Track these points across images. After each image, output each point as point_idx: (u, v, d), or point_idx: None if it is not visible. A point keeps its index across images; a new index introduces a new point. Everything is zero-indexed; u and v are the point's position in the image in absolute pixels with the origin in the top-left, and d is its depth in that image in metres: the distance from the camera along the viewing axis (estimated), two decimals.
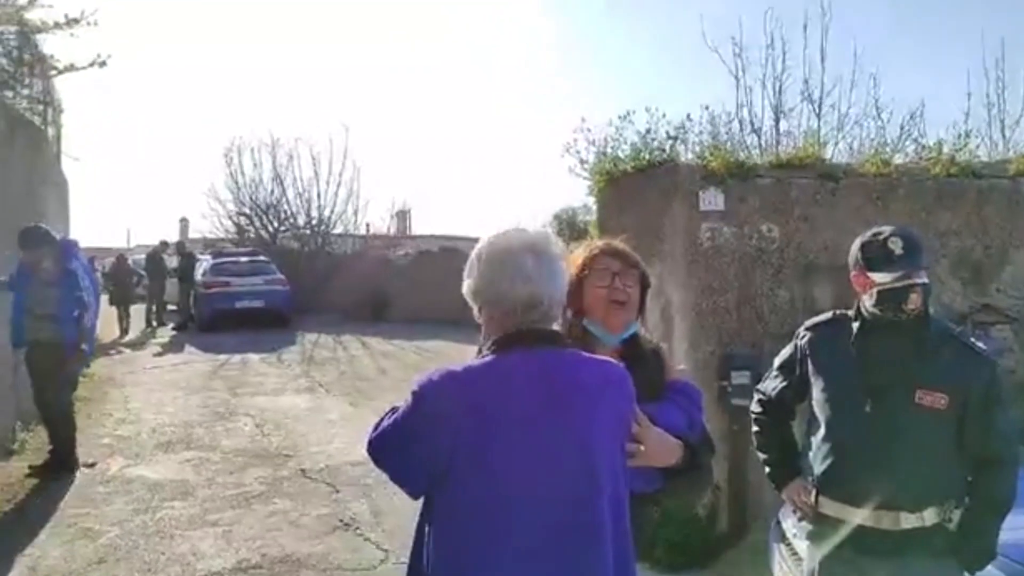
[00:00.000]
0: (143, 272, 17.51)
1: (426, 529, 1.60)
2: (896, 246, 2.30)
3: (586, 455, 1.56)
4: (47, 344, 5.95)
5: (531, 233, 1.68)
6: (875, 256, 2.34)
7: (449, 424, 1.52)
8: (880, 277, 2.33)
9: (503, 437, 1.52)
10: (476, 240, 1.74)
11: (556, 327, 1.70)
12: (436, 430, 1.53)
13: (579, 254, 2.04)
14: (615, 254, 2.01)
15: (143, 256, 18.73)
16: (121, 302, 16.03)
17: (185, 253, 17.88)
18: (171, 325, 16.92)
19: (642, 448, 1.69)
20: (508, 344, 1.59)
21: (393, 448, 1.63)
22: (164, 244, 17.93)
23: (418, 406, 1.56)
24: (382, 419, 1.68)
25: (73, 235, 9.45)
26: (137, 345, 14.32)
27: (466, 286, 1.68)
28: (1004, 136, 8.20)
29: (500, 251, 1.64)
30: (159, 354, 13.27)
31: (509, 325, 1.61)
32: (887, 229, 2.36)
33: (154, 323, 17.05)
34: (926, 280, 2.32)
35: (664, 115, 5.20)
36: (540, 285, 1.60)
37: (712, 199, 4.63)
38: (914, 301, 2.30)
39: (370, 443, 1.68)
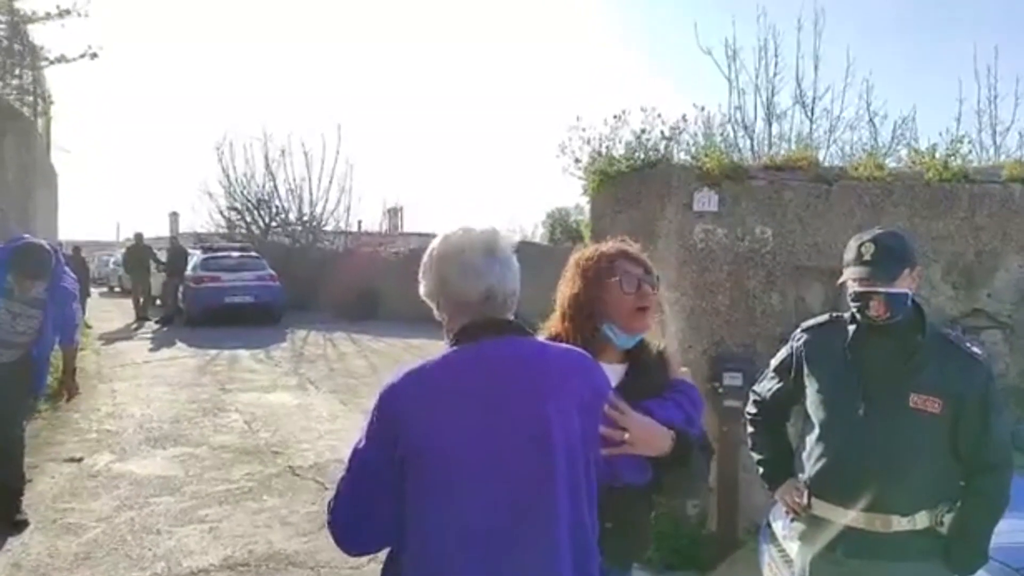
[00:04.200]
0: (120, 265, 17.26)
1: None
2: (867, 251, 2.32)
3: (543, 444, 1.57)
4: (17, 367, 4.88)
5: (480, 232, 1.72)
6: (849, 257, 2.39)
7: (408, 417, 1.57)
8: (845, 276, 2.38)
9: (460, 427, 1.56)
10: None
11: (511, 317, 1.71)
12: (397, 428, 1.57)
13: (588, 256, 2.03)
14: (635, 259, 2.02)
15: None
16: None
17: (176, 248, 17.79)
18: (155, 320, 16.79)
19: (627, 436, 1.68)
20: (468, 335, 1.65)
21: (361, 477, 1.62)
22: (139, 237, 17.81)
23: (379, 410, 1.61)
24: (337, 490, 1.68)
25: (62, 228, 9.13)
26: (123, 339, 14.22)
27: (423, 288, 1.74)
28: (995, 142, 8.27)
29: (453, 251, 1.69)
30: (147, 349, 13.19)
31: (467, 318, 1.66)
32: (871, 234, 2.39)
33: (145, 317, 16.94)
34: (895, 290, 2.30)
35: (659, 115, 5.21)
36: (492, 280, 1.66)
37: (706, 200, 4.63)
38: (875, 308, 2.30)
39: (332, 511, 1.66)
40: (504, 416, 1.57)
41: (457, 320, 1.68)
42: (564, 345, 1.74)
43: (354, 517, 1.63)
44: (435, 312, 1.74)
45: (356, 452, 1.64)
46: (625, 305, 1.94)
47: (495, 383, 1.59)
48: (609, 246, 2.05)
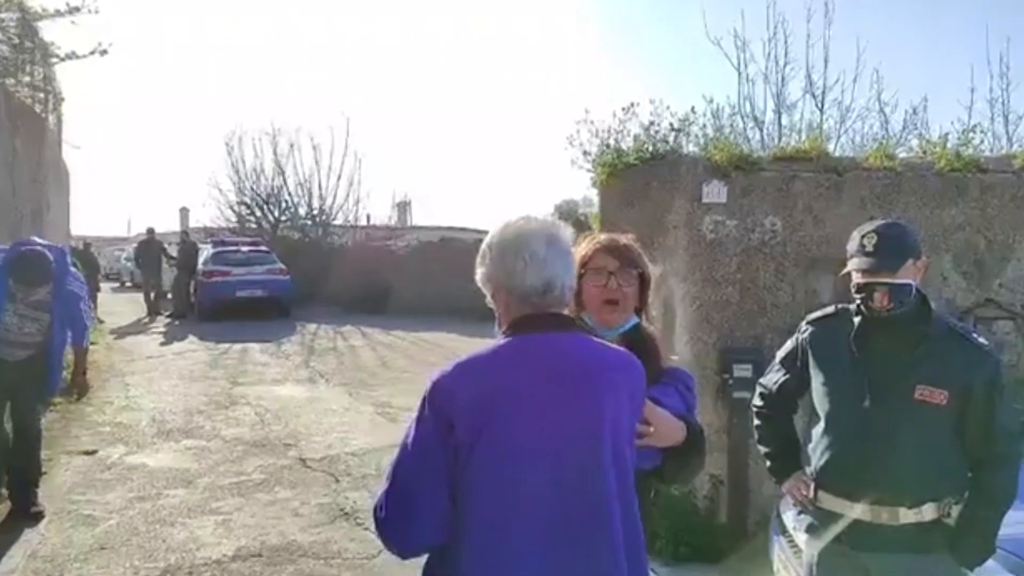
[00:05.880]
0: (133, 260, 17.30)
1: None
2: (869, 242, 2.32)
3: (593, 435, 1.58)
4: (30, 364, 4.97)
5: (542, 221, 1.71)
6: (852, 248, 2.39)
7: (462, 407, 1.54)
8: (849, 267, 2.38)
9: (514, 416, 1.55)
10: (476, 232, 1.74)
11: (567, 312, 1.72)
12: (451, 417, 1.54)
13: (580, 248, 2.05)
14: (614, 252, 2.02)
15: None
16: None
17: (187, 242, 17.88)
18: (166, 314, 16.88)
19: (651, 429, 1.72)
20: (523, 327, 1.63)
21: (414, 468, 1.58)
22: (151, 232, 17.94)
23: (431, 400, 1.57)
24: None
25: (74, 224, 9.13)
26: (135, 334, 14.32)
27: (480, 274, 1.71)
28: (1007, 132, 8.21)
29: (514, 239, 1.66)
30: (159, 343, 13.28)
31: (524, 309, 1.64)
32: (873, 225, 2.38)
33: (157, 312, 17.05)
34: (898, 281, 2.28)
35: (668, 107, 5.20)
36: (554, 272, 1.64)
37: (715, 192, 4.61)
38: (879, 300, 2.29)
39: (381, 507, 1.60)
40: (558, 409, 1.57)
41: (514, 310, 1.66)
42: (615, 346, 1.76)
43: (406, 512, 1.58)
44: (489, 300, 1.71)
45: (406, 445, 1.59)
46: (594, 297, 1.99)
47: (550, 376, 1.58)
48: (597, 238, 2.08)
